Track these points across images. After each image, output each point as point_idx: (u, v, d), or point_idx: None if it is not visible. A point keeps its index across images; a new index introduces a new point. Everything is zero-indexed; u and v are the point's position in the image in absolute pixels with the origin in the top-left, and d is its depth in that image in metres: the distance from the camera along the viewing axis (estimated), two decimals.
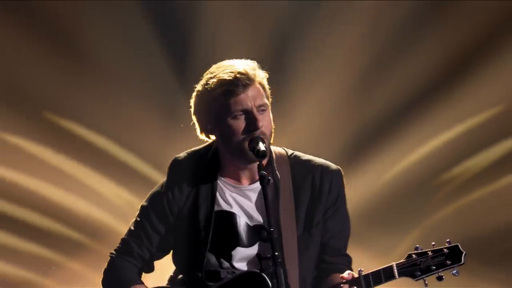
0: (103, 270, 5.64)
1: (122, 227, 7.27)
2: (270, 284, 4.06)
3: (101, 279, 4.41)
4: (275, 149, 4.34)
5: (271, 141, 4.25)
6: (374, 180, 7.58)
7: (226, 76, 4.09)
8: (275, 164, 4.25)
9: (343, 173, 4.33)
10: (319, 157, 4.57)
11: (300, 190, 4.25)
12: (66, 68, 7.40)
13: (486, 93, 7.40)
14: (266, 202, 3.86)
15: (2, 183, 7.38)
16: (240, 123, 4.07)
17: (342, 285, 4.04)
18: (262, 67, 5.04)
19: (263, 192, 3.87)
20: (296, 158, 4.31)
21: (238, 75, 4.09)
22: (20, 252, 7.48)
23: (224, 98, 4.07)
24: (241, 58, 5.84)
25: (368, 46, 7.61)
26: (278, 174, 4.23)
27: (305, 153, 4.66)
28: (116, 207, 7.54)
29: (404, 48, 7.51)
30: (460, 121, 7.49)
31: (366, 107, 7.61)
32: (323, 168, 4.26)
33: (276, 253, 3.76)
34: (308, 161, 4.30)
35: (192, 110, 4.22)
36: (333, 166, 4.29)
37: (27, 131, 7.37)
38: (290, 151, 4.35)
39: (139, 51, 7.60)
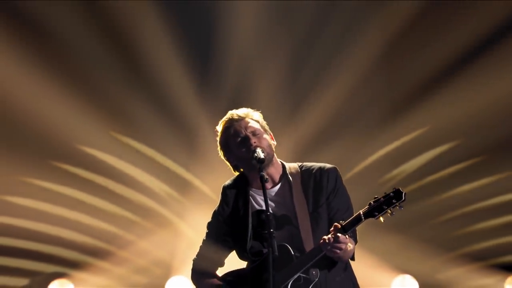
0: (151, 240, 7.14)
1: (162, 210, 8.70)
2: (292, 251, 4.75)
3: (190, 276, 5.12)
4: (290, 164, 5.01)
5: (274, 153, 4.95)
6: None
7: (225, 119, 4.98)
8: (288, 173, 4.95)
9: (338, 169, 4.96)
10: (310, 157, 5.58)
11: (307, 185, 4.90)
12: (124, 100, 8.54)
13: (417, 117, 8.57)
14: (265, 195, 4.66)
15: (81, 181, 8.59)
16: (242, 146, 4.88)
17: (330, 233, 4.61)
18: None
19: (262, 188, 4.68)
20: (304, 166, 5.00)
21: (230, 116, 4.97)
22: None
23: (227, 133, 4.94)
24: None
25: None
26: (291, 178, 4.92)
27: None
28: (158, 196, 8.73)
29: (357, 84, 8.59)
30: (398, 138, 8.72)
31: (340, 124, 8.64)
32: (321, 169, 4.93)
33: (272, 230, 4.54)
34: (311, 166, 4.98)
35: (220, 154, 5.01)
36: (328, 165, 4.96)
37: (99, 145, 8.58)
38: (300, 163, 5.01)
39: (172, 80, 8.60)
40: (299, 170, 4.95)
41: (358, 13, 8.60)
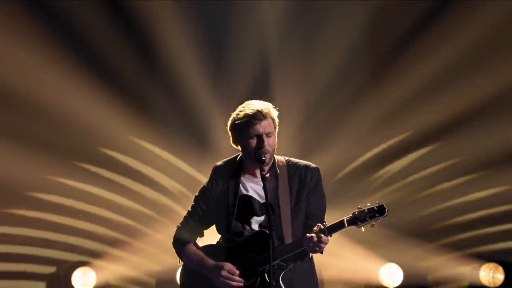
0: (164, 233, 7.27)
1: (175, 206, 8.94)
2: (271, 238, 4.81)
3: (171, 242, 5.13)
4: (278, 157, 5.06)
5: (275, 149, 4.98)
6: (331, 176, 8.75)
7: (249, 112, 4.92)
8: (276, 165, 5.03)
9: (320, 169, 5.07)
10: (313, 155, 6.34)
11: (292, 180, 4.99)
12: (142, 107, 8.71)
13: (401, 123, 8.96)
14: (265, 192, 4.82)
15: (102, 180, 8.79)
16: (253, 142, 4.92)
17: (313, 233, 4.72)
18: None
19: (263, 185, 4.83)
20: (290, 161, 5.08)
21: (256, 112, 4.91)
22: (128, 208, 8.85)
23: (246, 126, 4.92)
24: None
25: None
26: (278, 170, 4.99)
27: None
28: (170, 193, 9.02)
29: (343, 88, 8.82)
30: (384, 141, 9.13)
31: (337, 128, 8.90)
32: (306, 167, 5.04)
33: (271, 225, 4.71)
34: (297, 162, 5.07)
35: (228, 127, 5.01)
36: (313, 165, 5.06)
37: (119, 147, 8.80)
38: (287, 158, 5.08)
39: (182, 86, 8.70)
40: (286, 164, 5.04)
41: (349, 23, 8.78)
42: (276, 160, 5.04)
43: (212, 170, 5.15)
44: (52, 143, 8.55)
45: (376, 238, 8.54)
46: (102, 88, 8.51)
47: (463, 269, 8.85)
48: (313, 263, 5.06)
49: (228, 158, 5.16)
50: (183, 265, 5.16)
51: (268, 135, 4.92)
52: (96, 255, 8.79)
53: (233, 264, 4.92)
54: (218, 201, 5.07)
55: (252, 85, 8.70)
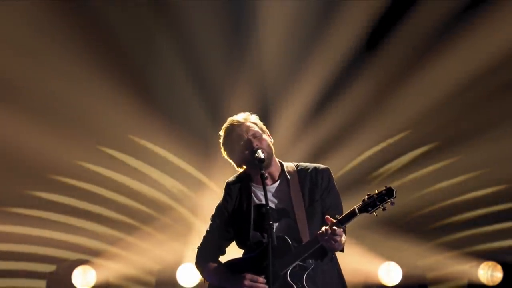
0: (165, 232, 7.31)
1: (175, 205, 9.02)
2: (290, 242, 4.89)
3: (194, 263, 5.21)
4: (287, 164, 5.13)
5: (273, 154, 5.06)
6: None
7: (226, 124, 5.14)
8: (286, 171, 5.09)
9: (330, 169, 5.11)
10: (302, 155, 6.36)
11: (304, 183, 5.03)
12: (142, 108, 8.65)
13: (401, 122, 9.06)
14: (265, 191, 4.84)
15: (102, 178, 8.83)
16: (243, 147, 5.03)
17: (328, 226, 4.73)
18: None
19: (263, 184, 4.85)
20: (299, 165, 5.13)
21: (231, 121, 5.11)
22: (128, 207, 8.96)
23: (229, 137, 5.09)
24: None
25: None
26: (288, 176, 5.06)
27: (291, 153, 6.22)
28: (170, 192, 9.07)
29: (342, 83, 8.81)
30: (384, 140, 9.20)
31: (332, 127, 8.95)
32: (316, 169, 5.09)
33: (271, 222, 4.72)
34: (306, 165, 5.12)
35: (224, 155, 5.14)
36: (322, 166, 5.12)
37: (119, 149, 8.86)
38: (296, 163, 5.14)
39: (185, 93, 8.77)
40: (296, 169, 5.08)
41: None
42: (285, 166, 5.10)
43: (225, 186, 5.21)
44: (52, 142, 8.49)
45: (375, 236, 8.61)
46: (101, 87, 8.50)
47: (462, 268, 8.90)
48: (337, 264, 5.08)
49: (238, 173, 5.20)
50: (208, 284, 5.21)
51: (254, 135, 5.01)
52: (96, 253, 8.81)
53: (257, 272, 4.94)
54: (234, 215, 5.13)
55: (253, 86, 8.75)
